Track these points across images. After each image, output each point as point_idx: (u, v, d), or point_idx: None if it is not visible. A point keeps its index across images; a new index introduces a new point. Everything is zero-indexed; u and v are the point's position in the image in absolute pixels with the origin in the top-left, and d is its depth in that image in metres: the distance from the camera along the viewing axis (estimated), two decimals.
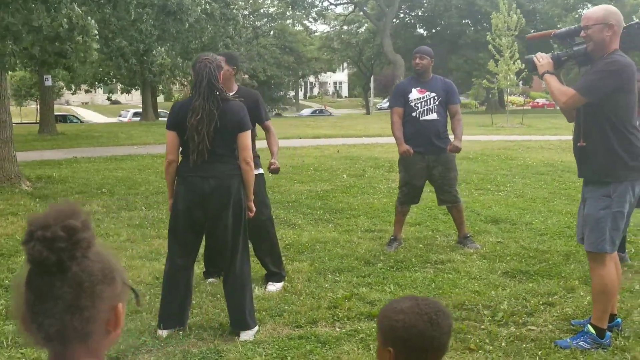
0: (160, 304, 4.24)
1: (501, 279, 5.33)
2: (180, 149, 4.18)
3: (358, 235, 7.05)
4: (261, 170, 5.20)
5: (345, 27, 61.42)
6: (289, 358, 3.74)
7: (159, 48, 22.03)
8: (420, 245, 6.47)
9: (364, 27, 59.75)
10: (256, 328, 4.22)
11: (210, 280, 5.30)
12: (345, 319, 4.45)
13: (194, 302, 4.72)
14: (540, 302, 4.73)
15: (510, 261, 5.80)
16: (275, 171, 5.26)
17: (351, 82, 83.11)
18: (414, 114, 6.30)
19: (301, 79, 67.76)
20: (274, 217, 7.77)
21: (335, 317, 4.47)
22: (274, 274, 5.29)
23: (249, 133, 4.15)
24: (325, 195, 9.74)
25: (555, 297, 4.84)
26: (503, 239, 6.67)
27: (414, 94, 6.32)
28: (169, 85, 41.27)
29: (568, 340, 3.99)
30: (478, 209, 8.34)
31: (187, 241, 4.19)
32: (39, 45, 9.24)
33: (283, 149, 17.47)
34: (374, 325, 4.26)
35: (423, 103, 6.30)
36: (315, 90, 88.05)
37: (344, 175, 11.93)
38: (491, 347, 3.93)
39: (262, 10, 45.92)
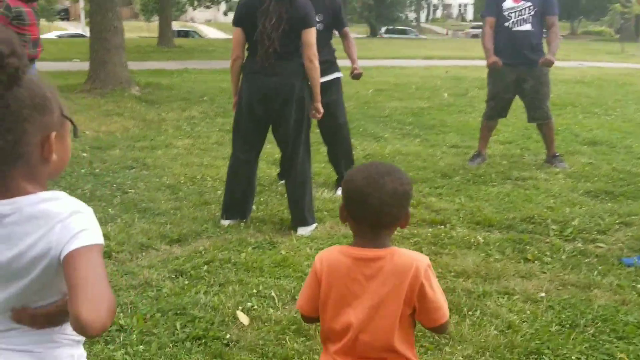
0: (224, 195, 4.40)
1: (581, 197, 5.08)
2: (247, 45, 4.21)
3: (443, 150, 6.91)
4: (337, 75, 5.15)
5: None
6: None
7: None
8: (505, 162, 6.26)
9: None
10: (314, 225, 4.30)
11: (283, 181, 5.41)
12: None
13: (262, 199, 4.87)
14: (617, 221, 4.48)
15: (597, 182, 5.50)
16: (357, 76, 5.24)
17: (477, 5, 79.44)
18: (506, 24, 5.96)
19: (423, 1, 65.57)
20: (361, 129, 7.82)
21: None
22: None
23: (313, 30, 4.09)
24: (419, 112, 9.57)
25: (635, 217, 4.56)
26: (595, 161, 6.31)
27: (508, 2, 5.97)
28: None
29: (635, 258, 3.79)
30: (578, 130, 7.91)
31: (249, 137, 4.28)
32: None
33: (391, 69, 17.27)
34: (431, 230, 4.24)
35: (517, 13, 5.94)
36: (439, 13, 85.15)
37: (445, 94, 11.62)
38: (550, 259, 3.79)
39: None
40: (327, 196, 5.06)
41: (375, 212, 1.62)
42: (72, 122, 1.32)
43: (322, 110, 4.33)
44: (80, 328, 1.12)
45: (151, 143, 6.88)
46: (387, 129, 8.15)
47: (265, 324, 2.94)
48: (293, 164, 4.26)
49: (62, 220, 1.20)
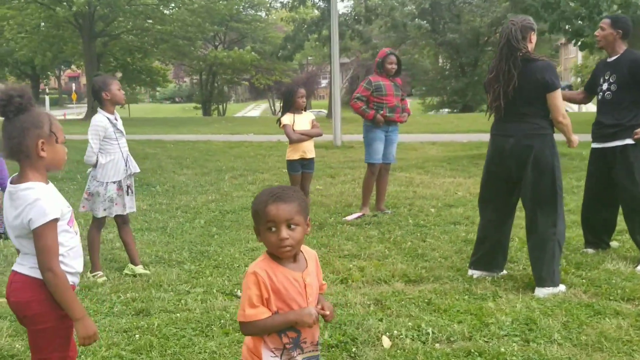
0: (473, 249, 4.70)
1: None
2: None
3: None
4: (627, 142, 4.84)
5: None
6: (524, 312, 3.78)
7: None
8: None
9: None
10: (556, 289, 4.21)
11: (584, 250, 5.22)
12: None
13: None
14: None
15: None
16: (638, 140, 4.81)
17: None
18: None
19: None
20: None
21: None
22: None
23: (556, 93, 4.13)
24: None
25: None
26: None
27: None
28: None
29: None
30: None
31: (491, 196, 4.51)
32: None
33: None
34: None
35: None
36: None
37: None
38: None
39: None
40: (614, 268, 4.72)
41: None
42: (55, 135, 2.25)
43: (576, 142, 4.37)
44: None
45: None
46: None
47: (405, 351, 3.29)
48: (533, 225, 4.32)
49: (30, 203, 2.15)
